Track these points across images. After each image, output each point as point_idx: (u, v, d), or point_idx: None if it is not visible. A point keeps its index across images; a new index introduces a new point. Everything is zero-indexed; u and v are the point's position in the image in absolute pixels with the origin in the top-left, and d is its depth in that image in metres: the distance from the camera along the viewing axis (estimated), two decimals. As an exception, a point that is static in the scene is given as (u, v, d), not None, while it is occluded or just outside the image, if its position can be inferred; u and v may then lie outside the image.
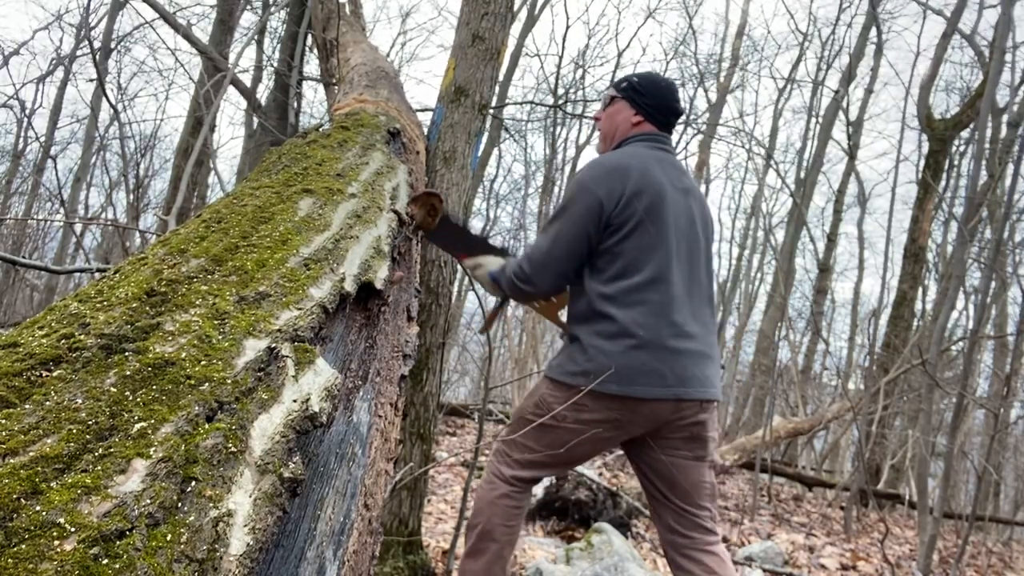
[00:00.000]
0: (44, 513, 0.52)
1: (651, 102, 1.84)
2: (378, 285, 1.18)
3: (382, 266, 1.24)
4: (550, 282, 1.79)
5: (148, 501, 0.56)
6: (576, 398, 1.67)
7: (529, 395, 1.83)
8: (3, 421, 0.61)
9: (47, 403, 0.64)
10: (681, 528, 1.72)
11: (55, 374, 0.68)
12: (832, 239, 12.09)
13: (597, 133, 2.00)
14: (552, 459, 1.76)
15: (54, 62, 10.47)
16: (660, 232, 1.67)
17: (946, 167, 10.11)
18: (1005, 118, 8.92)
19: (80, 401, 0.64)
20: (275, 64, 5.62)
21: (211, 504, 0.60)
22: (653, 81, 1.88)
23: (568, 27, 12.64)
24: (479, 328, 2.16)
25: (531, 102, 4.55)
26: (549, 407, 1.72)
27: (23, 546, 0.50)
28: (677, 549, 1.72)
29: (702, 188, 11.16)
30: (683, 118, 1.98)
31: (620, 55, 13.48)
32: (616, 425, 1.68)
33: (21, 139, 11.08)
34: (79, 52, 9.32)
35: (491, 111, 2.52)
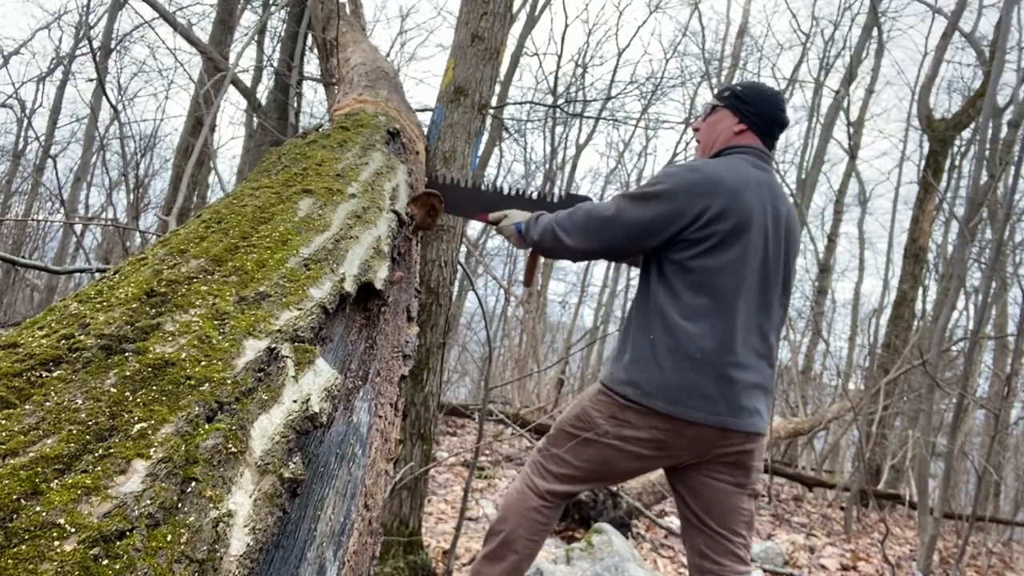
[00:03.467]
0: (44, 514, 0.52)
1: (755, 110, 1.73)
2: (378, 285, 1.18)
3: (382, 266, 1.24)
4: (588, 249, 1.72)
5: (148, 501, 0.56)
6: (610, 404, 1.62)
7: (572, 406, 1.77)
8: (3, 421, 0.61)
9: (47, 403, 0.64)
10: (712, 553, 1.66)
11: (55, 374, 0.68)
12: (832, 239, 12.09)
13: (696, 144, 1.90)
14: (589, 475, 1.70)
15: (54, 62, 10.48)
16: (740, 256, 1.60)
17: (947, 167, 10.11)
18: (1006, 118, 8.92)
19: (80, 401, 0.64)
20: (275, 64, 5.62)
21: (211, 504, 0.60)
22: (758, 89, 1.78)
23: (567, 26, 12.65)
24: (522, 281, 2.13)
25: (531, 102, 4.56)
26: (590, 420, 1.67)
27: (23, 546, 0.50)
28: (705, 575, 1.68)
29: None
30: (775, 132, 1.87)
31: (620, 54, 13.49)
32: (659, 446, 1.62)
33: (21, 139, 11.09)
34: (79, 52, 9.32)
35: (491, 111, 2.52)
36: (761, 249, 1.64)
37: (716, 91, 1.89)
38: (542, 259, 2.11)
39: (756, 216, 1.62)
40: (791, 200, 1.80)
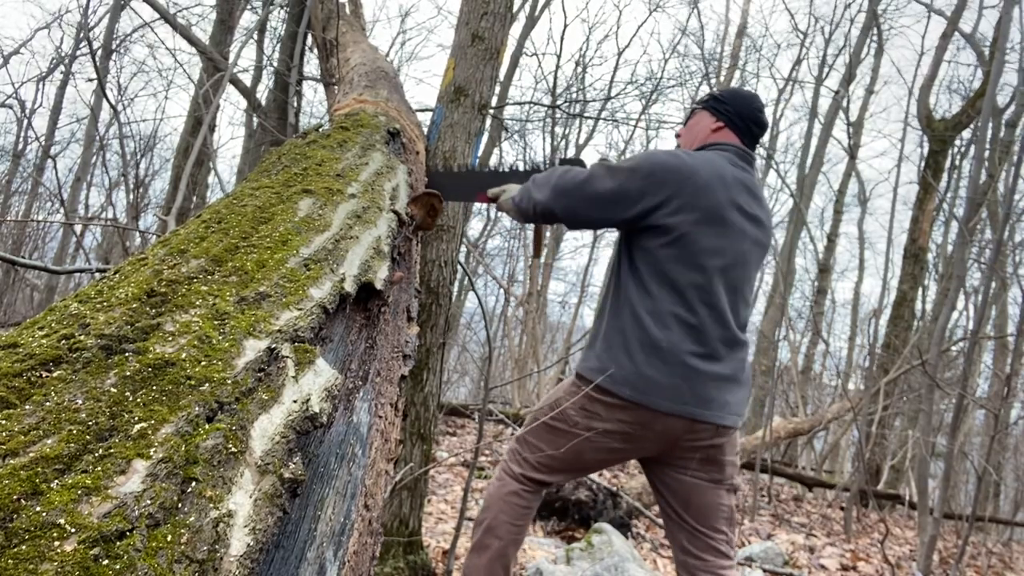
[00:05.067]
0: (44, 514, 0.52)
1: (732, 108, 1.78)
2: (378, 285, 1.18)
3: (382, 266, 1.24)
4: (550, 206, 1.72)
5: (148, 502, 0.56)
6: (580, 395, 1.65)
7: (547, 397, 1.80)
8: (3, 422, 0.61)
9: (47, 404, 0.64)
10: (694, 549, 1.68)
11: (55, 375, 0.68)
12: (832, 239, 12.09)
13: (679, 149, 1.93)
14: (563, 465, 1.73)
15: (54, 62, 10.48)
16: (708, 248, 1.61)
17: (947, 167, 10.11)
18: (1005, 118, 8.92)
19: (80, 402, 0.64)
20: (275, 64, 5.62)
21: (211, 505, 0.60)
22: (735, 91, 1.85)
23: (566, 26, 12.65)
24: (531, 254, 2.11)
25: (530, 102, 4.55)
26: (563, 411, 1.69)
27: (23, 547, 0.50)
28: (689, 571, 1.69)
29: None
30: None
31: (620, 54, 13.50)
32: (627, 438, 1.63)
33: (21, 139, 11.09)
34: (79, 52, 9.32)
35: (491, 111, 2.52)
36: (733, 245, 1.64)
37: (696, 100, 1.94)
38: (547, 231, 2.07)
39: (727, 211, 1.63)
40: (770, 203, 1.82)
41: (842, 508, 5.95)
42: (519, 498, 1.75)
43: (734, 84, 12.96)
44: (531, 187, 1.79)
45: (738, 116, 1.78)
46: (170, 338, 0.77)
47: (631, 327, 1.62)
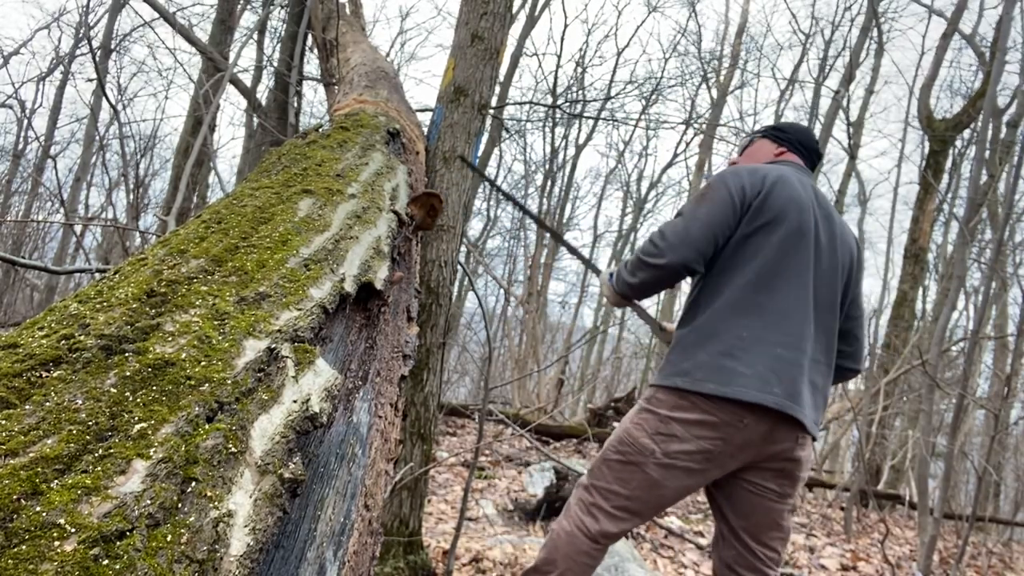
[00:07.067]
0: (44, 514, 0.52)
1: (793, 136, 1.88)
2: (378, 285, 1.18)
3: (382, 266, 1.24)
4: (682, 256, 1.59)
5: (148, 502, 0.56)
6: (652, 418, 1.59)
7: (613, 434, 1.70)
8: (3, 422, 0.61)
9: (47, 404, 0.64)
10: (738, 568, 1.62)
11: (55, 375, 0.68)
12: (832, 239, 12.06)
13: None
14: (640, 504, 1.61)
15: (54, 62, 10.48)
16: (783, 241, 1.58)
17: (947, 167, 10.11)
18: (1006, 118, 8.92)
19: (80, 402, 0.64)
20: (275, 64, 5.62)
21: (211, 505, 0.60)
22: (793, 124, 1.95)
23: (566, 26, 12.68)
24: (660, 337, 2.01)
25: (530, 102, 4.54)
26: (634, 441, 1.61)
27: (23, 547, 0.50)
28: None
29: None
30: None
31: (619, 54, 13.51)
32: (708, 457, 1.54)
33: (21, 139, 11.10)
34: (78, 52, 9.33)
35: (491, 111, 2.52)
36: (811, 241, 1.61)
37: (751, 132, 2.00)
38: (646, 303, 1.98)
39: (805, 206, 1.63)
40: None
41: (842, 508, 5.95)
42: (588, 557, 1.64)
43: (734, 83, 12.97)
44: (641, 258, 1.67)
45: (799, 143, 1.87)
46: (170, 338, 0.77)
47: (705, 324, 1.57)
